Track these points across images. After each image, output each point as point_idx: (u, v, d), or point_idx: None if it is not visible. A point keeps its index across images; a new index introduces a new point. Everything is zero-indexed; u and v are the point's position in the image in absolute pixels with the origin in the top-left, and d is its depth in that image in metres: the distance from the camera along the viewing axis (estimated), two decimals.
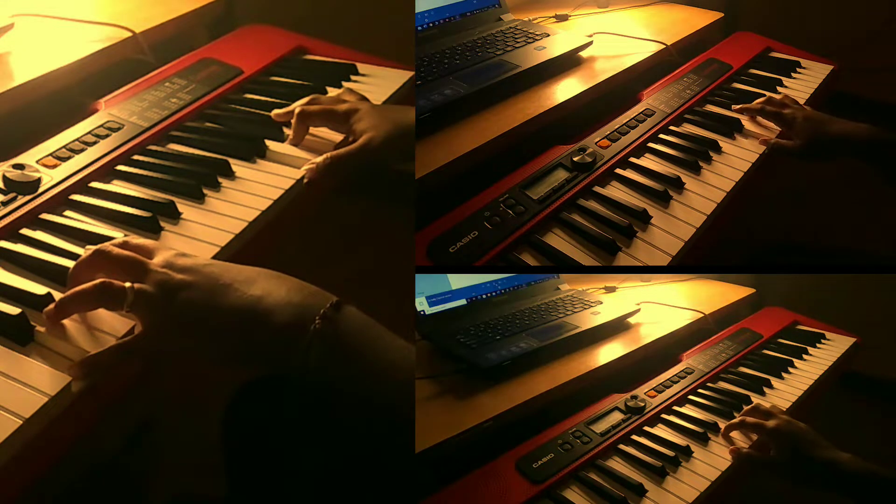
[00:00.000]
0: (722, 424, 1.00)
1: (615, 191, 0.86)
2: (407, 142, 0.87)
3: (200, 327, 0.61)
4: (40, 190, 0.79)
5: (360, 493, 0.73)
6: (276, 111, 0.99)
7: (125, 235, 0.75)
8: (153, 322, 0.62)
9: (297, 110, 0.95)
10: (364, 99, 0.99)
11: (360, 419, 0.62)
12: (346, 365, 0.59)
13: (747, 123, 1.01)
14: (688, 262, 0.79)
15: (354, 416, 0.62)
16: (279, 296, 0.61)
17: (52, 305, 0.63)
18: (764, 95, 1.05)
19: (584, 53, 1.06)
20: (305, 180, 0.89)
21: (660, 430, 0.97)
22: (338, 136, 0.97)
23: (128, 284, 0.62)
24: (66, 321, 0.64)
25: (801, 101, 1.10)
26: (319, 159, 0.90)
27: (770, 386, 1.17)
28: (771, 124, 1.01)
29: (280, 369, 0.61)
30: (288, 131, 0.97)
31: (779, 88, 1.13)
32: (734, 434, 0.97)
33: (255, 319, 0.60)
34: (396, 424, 0.60)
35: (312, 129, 0.97)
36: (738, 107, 1.04)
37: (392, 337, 0.62)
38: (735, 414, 1.04)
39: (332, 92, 1.09)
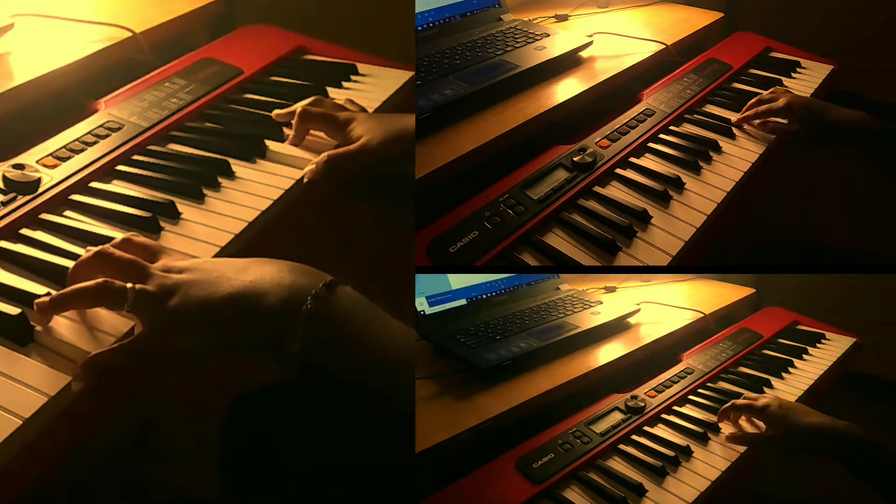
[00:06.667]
0: (722, 424, 1.00)
1: (615, 191, 0.86)
2: (405, 145, 0.87)
3: (199, 321, 0.61)
4: (40, 190, 0.79)
5: (359, 492, 0.73)
6: (277, 111, 0.99)
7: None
8: (154, 322, 0.62)
9: (299, 110, 0.96)
10: (363, 110, 1.00)
11: (356, 406, 0.61)
12: (340, 347, 0.59)
13: (747, 125, 1.01)
14: (688, 262, 0.79)
15: (350, 403, 0.61)
16: (271, 278, 0.61)
17: (46, 298, 0.63)
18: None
19: (584, 53, 1.06)
20: (305, 180, 0.90)
21: (660, 430, 0.97)
22: None
23: (129, 285, 0.62)
24: (66, 321, 0.64)
25: None
26: (319, 159, 0.90)
27: (770, 386, 1.17)
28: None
29: (274, 354, 0.60)
30: (288, 131, 0.97)
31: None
32: (724, 425, 0.99)
33: (248, 303, 0.60)
34: (394, 412, 0.59)
35: (312, 130, 0.97)
36: (736, 119, 1.01)
37: (389, 319, 0.61)
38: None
39: (333, 92, 1.09)
